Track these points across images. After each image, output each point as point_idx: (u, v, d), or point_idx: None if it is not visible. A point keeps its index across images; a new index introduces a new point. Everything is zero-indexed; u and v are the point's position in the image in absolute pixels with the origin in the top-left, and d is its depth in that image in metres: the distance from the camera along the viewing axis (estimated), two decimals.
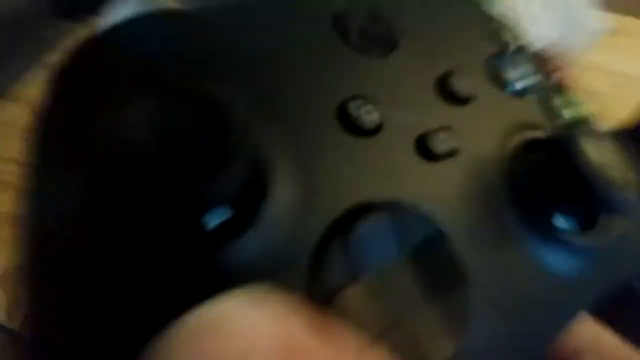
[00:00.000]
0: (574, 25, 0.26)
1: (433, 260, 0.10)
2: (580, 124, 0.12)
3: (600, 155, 0.11)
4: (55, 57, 0.36)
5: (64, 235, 0.09)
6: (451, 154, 0.11)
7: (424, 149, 0.11)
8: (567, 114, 0.13)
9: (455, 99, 0.12)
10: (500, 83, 0.13)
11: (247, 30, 0.11)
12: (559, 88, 0.14)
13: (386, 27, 0.12)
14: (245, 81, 0.10)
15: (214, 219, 0.08)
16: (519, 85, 0.13)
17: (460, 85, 0.12)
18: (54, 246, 0.09)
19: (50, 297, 0.09)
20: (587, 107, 0.14)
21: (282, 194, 0.09)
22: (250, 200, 0.09)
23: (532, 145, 0.12)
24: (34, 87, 0.34)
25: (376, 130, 0.11)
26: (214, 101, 0.08)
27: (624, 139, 0.21)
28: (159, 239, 0.08)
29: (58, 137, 0.10)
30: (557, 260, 0.11)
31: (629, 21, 0.37)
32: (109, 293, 0.08)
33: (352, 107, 0.11)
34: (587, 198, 0.11)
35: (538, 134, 0.12)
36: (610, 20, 0.32)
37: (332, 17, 0.12)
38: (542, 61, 0.14)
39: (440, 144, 0.11)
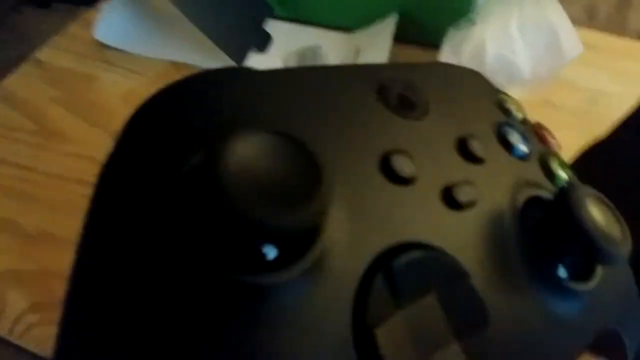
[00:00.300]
0: (551, 46, 0.27)
1: (460, 299, 0.11)
2: (571, 184, 0.13)
3: (595, 212, 0.12)
4: (44, 52, 0.36)
5: (115, 263, 0.10)
6: (470, 204, 0.13)
7: (449, 198, 0.13)
8: (562, 174, 0.15)
9: (472, 158, 0.14)
10: (508, 147, 0.15)
11: (305, 91, 0.13)
12: (554, 153, 0.16)
13: (419, 96, 0.15)
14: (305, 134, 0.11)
15: (273, 251, 0.09)
16: (522, 150, 0.15)
17: (476, 147, 0.14)
18: (102, 275, 0.10)
19: (89, 327, 0.09)
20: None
21: (332, 231, 0.10)
22: (306, 236, 0.10)
23: (536, 202, 0.14)
24: (17, 82, 0.34)
25: (411, 180, 0.12)
26: (306, 147, 0.10)
27: (597, 154, 0.23)
28: (218, 265, 0.09)
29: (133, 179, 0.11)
30: (558, 304, 0.13)
31: (604, 38, 0.38)
32: (153, 315, 0.09)
33: (394, 158, 0.12)
34: (586, 251, 0.12)
35: (541, 191, 0.14)
36: (586, 37, 0.34)
37: (375, 85, 0.14)
38: (538, 129, 0.17)
39: (463, 195, 0.13)
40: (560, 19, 0.28)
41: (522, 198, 0.14)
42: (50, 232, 0.25)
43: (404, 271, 0.10)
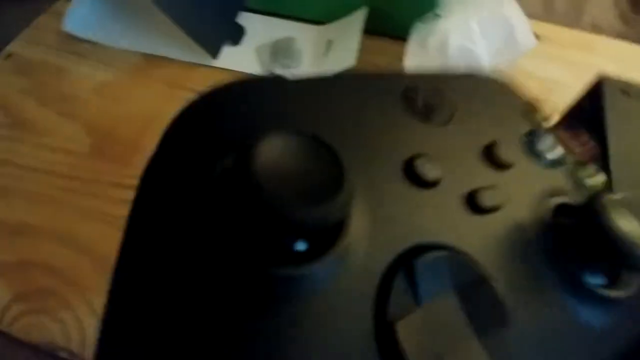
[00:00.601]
0: (508, 39, 0.29)
1: (480, 301, 0.11)
2: (600, 192, 0.13)
3: (621, 217, 0.12)
4: (15, 45, 0.35)
5: (159, 266, 0.10)
6: (494, 209, 0.13)
7: (472, 203, 0.13)
8: (589, 183, 0.16)
9: (499, 165, 0.14)
10: (535, 155, 0.15)
11: (335, 100, 0.13)
12: (581, 161, 0.17)
13: (444, 103, 0.15)
14: (332, 142, 0.12)
15: (302, 244, 0.10)
16: (550, 158, 0.15)
17: (503, 154, 0.14)
18: (147, 279, 0.10)
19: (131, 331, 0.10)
20: (601, 177, 0.17)
21: (356, 230, 0.11)
22: (332, 231, 0.10)
23: (563, 209, 0.14)
24: None
25: (435, 184, 0.13)
26: (329, 147, 0.10)
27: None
28: (257, 258, 0.10)
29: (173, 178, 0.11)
30: (586, 312, 0.13)
31: (559, 30, 0.41)
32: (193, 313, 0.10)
33: (418, 162, 0.13)
34: (612, 257, 0.12)
35: (567, 199, 0.14)
36: (543, 29, 0.36)
37: (401, 92, 0.14)
38: (566, 138, 0.17)
39: (487, 199, 0.13)
40: (515, 14, 0.30)
41: (549, 205, 0.14)
42: (29, 223, 0.25)
43: (425, 270, 0.11)
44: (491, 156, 0.14)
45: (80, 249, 0.24)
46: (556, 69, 0.37)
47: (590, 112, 0.21)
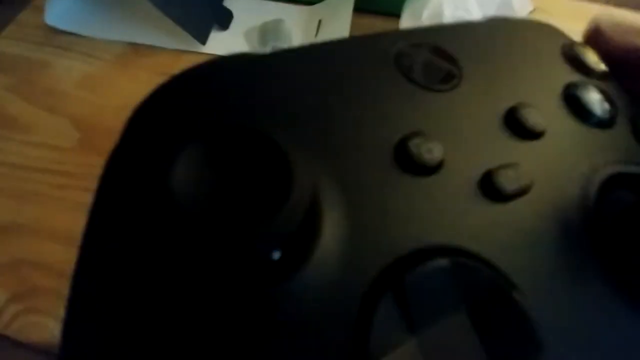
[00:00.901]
0: (503, 4, 0.28)
1: (500, 320, 0.08)
2: None
3: None
4: None
5: (119, 265, 0.09)
6: (520, 193, 0.10)
7: (488, 187, 0.10)
8: None
9: (526, 133, 0.11)
10: (579, 113, 0.12)
11: (310, 71, 0.11)
12: None
13: (451, 61, 0.12)
14: (304, 123, 0.10)
15: (262, 261, 0.08)
16: (602, 114, 0.12)
17: (532, 117, 0.11)
18: (109, 278, 0.09)
19: (96, 324, 0.09)
20: None
21: (332, 238, 0.09)
22: (299, 243, 0.08)
23: (619, 182, 0.11)
24: None
25: (437, 168, 0.10)
26: (274, 143, 0.08)
27: None
28: (211, 276, 0.08)
29: (128, 176, 0.10)
30: None
31: (554, 1, 0.40)
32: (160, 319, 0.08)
33: (412, 144, 0.10)
34: None
35: (628, 167, 0.11)
36: (537, 1, 0.35)
37: (395, 55, 0.12)
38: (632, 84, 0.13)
39: (509, 181, 0.10)
40: None
41: (599, 178, 0.10)
42: (20, 222, 0.24)
43: (421, 286, 0.08)
44: (515, 123, 0.11)
45: (75, 245, 0.24)
46: None
47: None
